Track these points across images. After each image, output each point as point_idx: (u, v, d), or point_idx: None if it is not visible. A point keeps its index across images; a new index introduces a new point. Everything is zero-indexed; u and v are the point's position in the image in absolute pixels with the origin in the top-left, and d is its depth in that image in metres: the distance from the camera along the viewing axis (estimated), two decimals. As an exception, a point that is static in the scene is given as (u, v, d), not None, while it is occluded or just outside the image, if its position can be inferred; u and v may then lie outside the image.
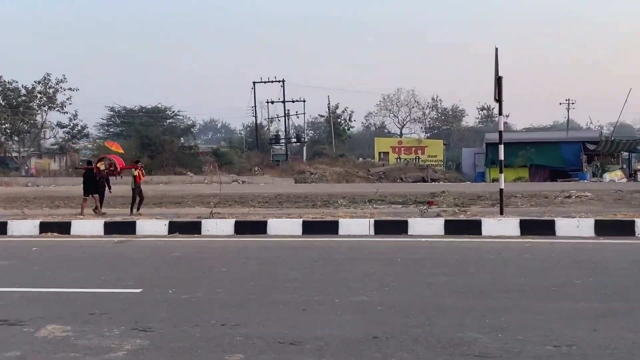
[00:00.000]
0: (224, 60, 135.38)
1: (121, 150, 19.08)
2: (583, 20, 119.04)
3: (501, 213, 12.64)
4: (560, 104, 64.36)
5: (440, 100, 78.33)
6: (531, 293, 6.43)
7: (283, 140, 60.88)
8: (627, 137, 51.67)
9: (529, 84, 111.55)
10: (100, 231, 12.57)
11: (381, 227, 11.71)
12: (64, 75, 51.05)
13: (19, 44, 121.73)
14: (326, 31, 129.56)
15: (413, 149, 55.34)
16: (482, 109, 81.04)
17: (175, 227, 12.37)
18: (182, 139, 56.62)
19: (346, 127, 65.84)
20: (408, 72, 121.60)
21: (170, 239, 11.80)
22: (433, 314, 5.62)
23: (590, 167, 45.02)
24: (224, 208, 17.02)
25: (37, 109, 52.07)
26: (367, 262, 8.58)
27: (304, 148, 59.40)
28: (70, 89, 51.09)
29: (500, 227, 11.38)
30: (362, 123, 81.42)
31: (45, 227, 12.73)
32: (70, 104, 51.90)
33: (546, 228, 11.22)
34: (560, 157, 46.52)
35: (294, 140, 63.51)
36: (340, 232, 11.75)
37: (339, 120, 63.80)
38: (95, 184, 15.96)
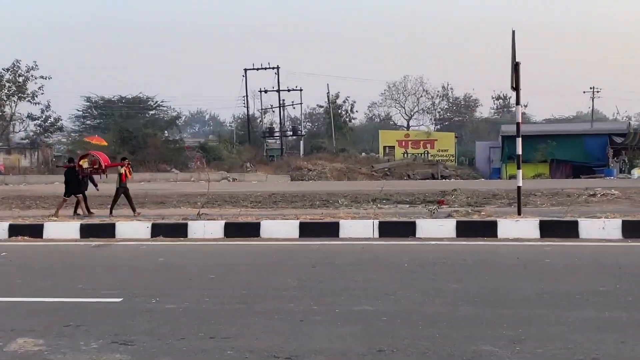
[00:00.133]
0: (212, 46, 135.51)
1: (104, 143, 19.13)
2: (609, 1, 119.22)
3: (519, 213, 12.66)
4: (584, 92, 64.18)
5: (452, 88, 78.52)
6: (552, 301, 6.44)
7: (278, 134, 60.99)
8: (659, 129, 51.71)
9: (549, 70, 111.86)
10: (76, 234, 12.57)
11: (386, 229, 11.72)
12: (35, 62, 51.01)
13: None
14: (325, 13, 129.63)
15: (421, 142, 55.41)
16: (498, 98, 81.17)
17: (158, 230, 12.37)
18: (166, 132, 56.69)
19: (347, 119, 65.93)
20: (416, 58, 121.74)
21: (153, 242, 11.80)
22: (444, 325, 5.63)
23: (617, 162, 45.06)
24: (213, 208, 17.02)
25: (5, 99, 51.95)
26: (370, 267, 8.59)
27: (301, 142, 59.49)
28: (42, 77, 51.03)
29: (518, 228, 11.39)
30: (365, 114, 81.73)
31: (15, 231, 12.74)
32: (42, 93, 51.82)
33: (568, 230, 11.24)
34: (584, 152, 46.59)
35: (290, 133, 63.59)
36: (341, 234, 11.77)
37: (339, 111, 63.85)
38: (78, 183, 16.00)
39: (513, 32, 12.84)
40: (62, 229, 12.81)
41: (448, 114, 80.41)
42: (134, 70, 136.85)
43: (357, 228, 11.85)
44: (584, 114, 76.30)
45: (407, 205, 17.98)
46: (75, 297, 7.09)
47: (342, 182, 39.86)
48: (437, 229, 11.61)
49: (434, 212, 12.96)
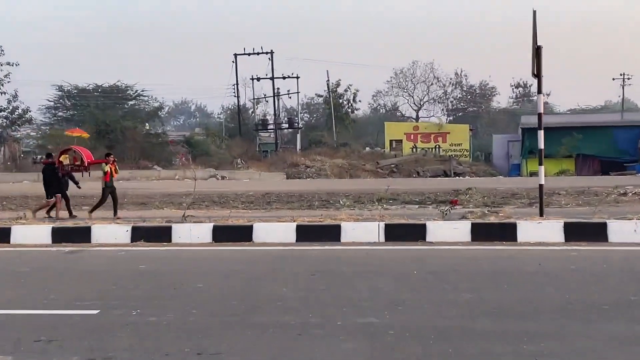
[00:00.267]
0: (197, 28, 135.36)
1: (86, 135, 19.12)
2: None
3: (541, 214, 12.67)
4: (614, 79, 64.09)
5: (466, 75, 78.52)
6: (578, 313, 6.45)
7: (272, 126, 60.94)
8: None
9: (575, 55, 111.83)
10: (48, 239, 12.57)
11: (393, 233, 11.73)
12: (0, 47, 50.99)
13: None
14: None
15: (432, 136, 55.47)
16: (517, 86, 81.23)
17: (139, 234, 12.37)
18: (147, 124, 56.68)
19: (350, 110, 65.96)
20: (425, 41, 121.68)
21: (133, 248, 11.80)
22: (458, 340, 5.63)
23: (651, 157, 45.15)
24: (200, 210, 17.02)
25: (-34, 88, 51.91)
26: (376, 275, 8.60)
27: (298, 135, 59.51)
28: (8, 63, 50.82)
29: (540, 231, 11.40)
30: (369, 104, 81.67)
31: (-22, 235, 12.73)
32: (8, 81, 51.66)
33: (596, 233, 11.24)
34: (613, 146, 46.65)
35: (286, 125, 63.59)
36: (343, 238, 11.78)
37: (340, 101, 63.89)
38: (58, 181, 15.98)
39: (534, 12, 12.83)
40: (32, 233, 12.81)
41: (462, 104, 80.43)
42: (110, 55, 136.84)
43: (361, 231, 11.85)
44: (613, 104, 76.34)
45: (416, 206, 17.99)
46: (47, 309, 7.09)
47: (344, 180, 39.87)
48: (449, 232, 11.61)
49: (446, 214, 12.96)
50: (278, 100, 61.62)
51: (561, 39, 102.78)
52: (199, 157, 49.24)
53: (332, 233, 11.91)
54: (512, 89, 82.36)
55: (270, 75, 58.80)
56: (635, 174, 39.91)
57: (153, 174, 43.61)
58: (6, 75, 51.21)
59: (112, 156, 16.47)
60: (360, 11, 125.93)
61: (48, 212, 16.04)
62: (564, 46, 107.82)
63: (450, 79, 77.62)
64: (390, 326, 6.08)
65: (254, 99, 62.70)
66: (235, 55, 58.46)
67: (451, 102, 79.81)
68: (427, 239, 11.54)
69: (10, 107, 53.64)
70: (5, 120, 54.70)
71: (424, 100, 77.64)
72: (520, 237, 11.36)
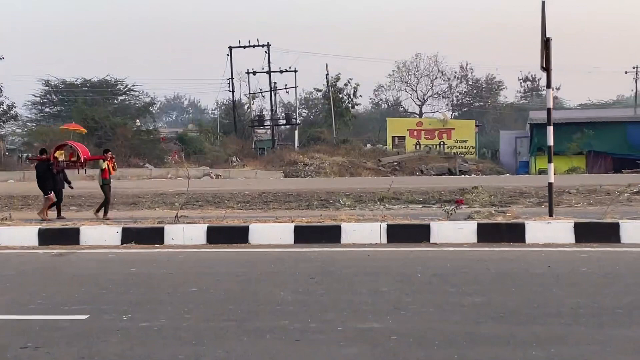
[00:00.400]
0: (190, 19, 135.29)
1: (83, 130, 19.15)
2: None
3: (550, 214, 12.68)
4: (627, 72, 64.12)
5: (471, 69, 78.59)
6: (589, 317, 6.47)
7: (268, 122, 60.97)
8: None
9: (585, 47, 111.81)
10: (34, 241, 12.58)
11: (396, 234, 11.74)
12: (-16, 40, 50.93)
13: None
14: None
15: (436, 132, 55.47)
16: (525, 80, 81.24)
17: (130, 235, 12.38)
18: (137, 121, 56.66)
19: (350, 105, 65.87)
20: (429, 33, 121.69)
21: (124, 250, 11.81)
22: (463, 345, 5.65)
23: (666, 154, 45.19)
24: (193, 210, 17.04)
25: (-52, 83, 51.91)
26: (378, 278, 8.61)
27: (296, 132, 59.47)
28: (-8, 57, 50.96)
29: (550, 232, 11.42)
30: (370, 99, 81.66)
31: (-39, 237, 12.74)
32: (-8, 76, 51.78)
33: (608, 233, 11.27)
34: (626, 142, 46.63)
35: (283, 121, 63.58)
36: (343, 240, 11.79)
37: (340, 95, 63.82)
38: (53, 178, 16.00)
39: (543, 3, 12.85)
40: (18, 235, 12.81)
41: (467, 99, 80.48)
42: (100, 49, 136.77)
43: (362, 232, 11.87)
44: (626, 98, 76.37)
45: (420, 206, 18.01)
46: (34, 314, 7.10)
47: (344, 179, 39.88)
48: (455, 233, 11.63)
49: (451, 214, 12.97)
50: (275, 95, 61.73)
51: (571, 30, 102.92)
52: (192, 155, 49.23)
53: (332, 234, 11.92)
54: (520, 82, 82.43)
55: (266, 69, 58.77)
56: (649, 171, 39.93)
57: (144, 172, 43.61)
58: (-10, 70, 51.27)
59: (110, 153, 16.55)
60: (360, 1, 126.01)
61: (51, 207, 16.11)
62: (575, 38, 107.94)
63: (455, 72, 77.73)
64: (393, 331, 6.09)
65: (249, 93, 62.66)
66: (230, 48, 58.44)
67: (456, 96, 79.85)
68: (432, 240, 11.55)
69: (-6, 103, 53.69)
70: (-11, 116, 54.76)
71: (428, 94, 77.77)
72: (529, 238, 11.38)
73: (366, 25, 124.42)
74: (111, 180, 16.14)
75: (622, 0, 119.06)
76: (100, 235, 12.59)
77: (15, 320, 6.90)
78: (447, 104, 78.72)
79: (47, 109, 62.61)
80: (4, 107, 54.10)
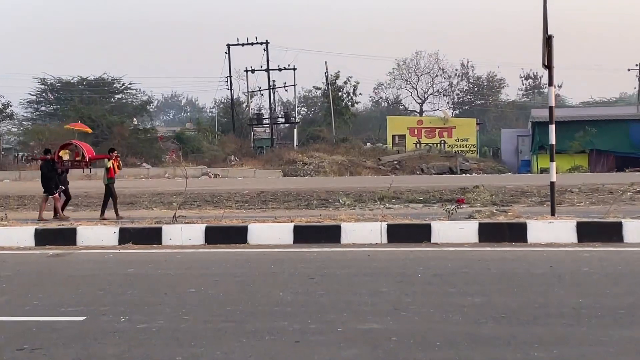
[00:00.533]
0: (188, 17, 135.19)
1: (88, 130, 19.18)
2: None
3: (552, 213, 12.69)
4: (629, 70, 64.10)
5: (472, 66, 78.65)
6: (591, 318, 6.47)
7: (267, 121, 60.98)
8: None
9: (587, 44, 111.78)
10: (30, 241, 12.58)
11: (396, 234, 11.75)
12: (-21, 38, 50.94)
13: None
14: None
15: (437, 130, 55.49)
16: (527, 77, 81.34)
17: (127, 236, 12.39)
18: (135, 119, 56.69)
19: (350, 103, 65.89)
20: (429, 31, 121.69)
21: (121, 250, 11.82)
22: (465, 346, 5.65)
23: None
24: (191, 210, 17.04)
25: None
26: (378, 278, 8.62)
27: (295, 131, 59.48)
28: (-13, 55, 50.95)
29: (552, 231, 11.42)
30: (370, 97, 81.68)
31: (-43, 237, 12.74)
32: (-13, 75, 51.74)
33: (611, 233, 11.27)
34: (629, 140, 46.67)
35: (282, 120, 63.58)
36: (343, 240, 11.80)
37: (340, 93, 63.83)
38: (57, 178, 16.05)
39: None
40: (14, 236, 12.80)
41: (468, 97, 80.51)
42: (96, 47, 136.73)
43: (362, 232, 11.87)
44: (628, 96, 76.36)
45: (421, 205, 18.02)
46: (31, 316, 7.10)
47: (344, 178, 39.90)
48: (456, 232, 11.64)
49: (452, 213, 12.98)
50: (274, 93, 61.73)
51: (574, 27, 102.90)
52: (190, 154, 49.21)
53: (331, 234, 11.93)
54: (522, 80, 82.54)
55: (265, 67, 58.83)
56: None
57: (141, 172, 43.64)
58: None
59: (115, 152, 16.61)
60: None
61: (63, 206, 16.15)
62: (577, 35, 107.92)
63: (456, 70, 77.73)
64: (393, 332, 6.10)
65: (248, 92, 62.67)
66: (229, 45, 58.45)
67: (457, 94, 79.87)
68: (432, 240, 11.56)
69: (-10, 102, 53.71)
70: (-16, 115, 54.78)
71: (428, 92, 77.74)
72: (531, 237, 11.39)
73: (366, 22, 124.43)
74: (115, 180, 16.21)
75: (625, 1, 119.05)
76: (97, 235, 12.60)
77: (11, 322, 6.90)
78: (448, 102, 78.83)
79: (43, 108, 62.64)
80: (0, 106, 54.12)
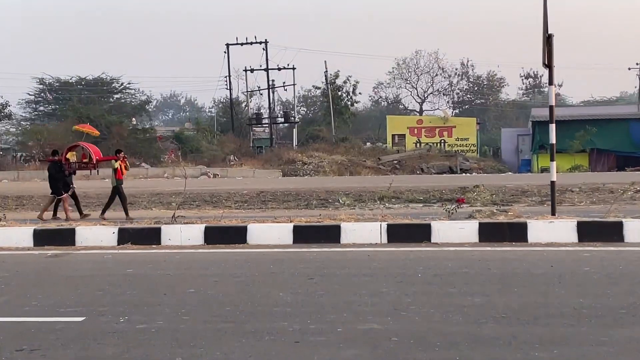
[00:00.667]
0: (187, 16, 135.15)
1: (96, 132, 19.22)
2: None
3: (553, 213, 12.70)
4: (630, 69, 64.13)
5: (472, 65, 78.67)
6: (592, 318, 6.48)
7: (266, 120, 60.98)
8: None
9: (588, 43, 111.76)
10: (29, 242, 12.58)
11: (396, 233, 11.75)
12: (-23, 37, 50.93)
13: None
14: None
15: (437, 130, 55.50)
16: (527, 76, 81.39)
17: (126, 236, 12.39)
18: (133, 119, 56.72)
19: (349, 103, 65.94)
20: (429, 29, 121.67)
21: (120, 251, 11.82)
22: (465, 346, 5.66)
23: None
24: (191, 210, 17.04)
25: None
26: (378, 279, 8.62)
27: (294, 130, 59.51)
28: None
29: (552, 231, 11.43)
30: (370, 97, 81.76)
31: (-45, 238, 12.74)
32: (-15, 75, 51.74)
33: (612, 232, 11.27)
34: (629, 140, 46.72)
35: (281, 120, 63.58)
36: (343, 240, 11.80)
37: (339, 93, 63.88)
38: (64, 179, 16.08)
39: (545, -2, 12.84)
40: (13, 236, 12.81)
41: (468, 96, 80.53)
42: (95, 46, 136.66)
43: (362, 232, 11.88)
44: (629, 95, 76.37)
45: (421, 205, 18.02)
46: (29, 317, 7.10)
47: (344, 178, 39.90)
48: (456, 232, 11.64)
49: (452, 213, 12.99)
50: (273, 92, 61.71)
51: (574, 26, 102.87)
52: (189, 154, 49.25)
53: (331, 234, 11.94)
54: (522, 79, 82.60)
55: (264, 67, 58.83)
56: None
57: (140, 172, 43.64)
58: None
59: (122, 153, 16.64)
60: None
61: (78, 207, 16.19)
62: (577, 34, 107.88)
63: (456, 69, 77.76)
64: (393, 332, 6.10)
65: (247, 91, 62.69)
66: (228, 45, 58.45)
67: (457, 94, 79.89)
68: (432, 240, 11.56)
69: (-13, 102, 53.69)
70: (-18, 115, 54.76)
71: (428, 92, 77.77)
72: (531, 237, 11.39)
73: (365, 21, 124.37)
74: (123, 181, 16.26)
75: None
76: (96, 235, 12.60)
77: (10, 323, 6.90)
78: (448, 102, 78.88)
79: (41, 108, 62.66)
80: (-2, 106, 54.12)
